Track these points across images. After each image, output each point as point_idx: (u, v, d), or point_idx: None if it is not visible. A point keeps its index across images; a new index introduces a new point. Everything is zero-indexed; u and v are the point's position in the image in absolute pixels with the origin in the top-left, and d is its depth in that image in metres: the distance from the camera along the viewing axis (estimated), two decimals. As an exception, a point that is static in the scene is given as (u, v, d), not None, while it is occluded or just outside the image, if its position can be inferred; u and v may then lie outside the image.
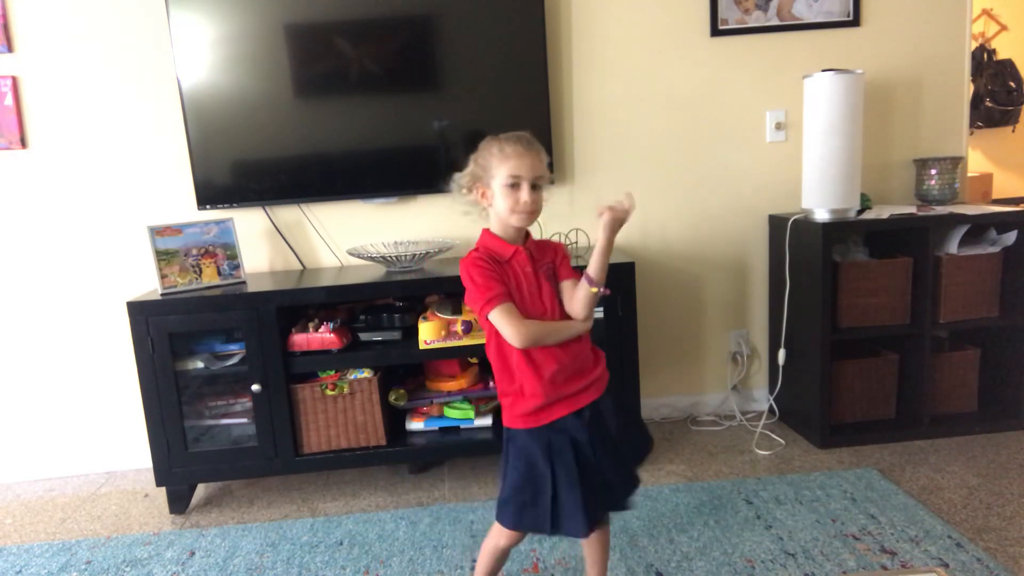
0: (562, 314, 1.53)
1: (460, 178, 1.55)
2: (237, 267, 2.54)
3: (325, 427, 2.39)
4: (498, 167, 1.48)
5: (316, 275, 2.59)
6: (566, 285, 1.54)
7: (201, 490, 2.59)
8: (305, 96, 2.60)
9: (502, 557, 1.66)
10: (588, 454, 1.50)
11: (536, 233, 1.60)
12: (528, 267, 1.51)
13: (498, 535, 1.59)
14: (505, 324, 1.46)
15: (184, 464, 2.38)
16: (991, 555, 1.87)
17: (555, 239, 2.09)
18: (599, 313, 2.40)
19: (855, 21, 2.72)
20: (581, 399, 1.52)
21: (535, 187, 1.48)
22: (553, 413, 1.50)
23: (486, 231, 1.55)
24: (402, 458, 2.49)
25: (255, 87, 2.56)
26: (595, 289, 1.49)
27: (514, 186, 1.47)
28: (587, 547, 1.67)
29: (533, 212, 1.50)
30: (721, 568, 1.89)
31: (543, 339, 1.48)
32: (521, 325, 1.46)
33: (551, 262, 1.56)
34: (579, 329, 1.52)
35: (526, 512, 1.52)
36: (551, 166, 2.64)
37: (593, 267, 1.50)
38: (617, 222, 1.49)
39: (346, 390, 2.37)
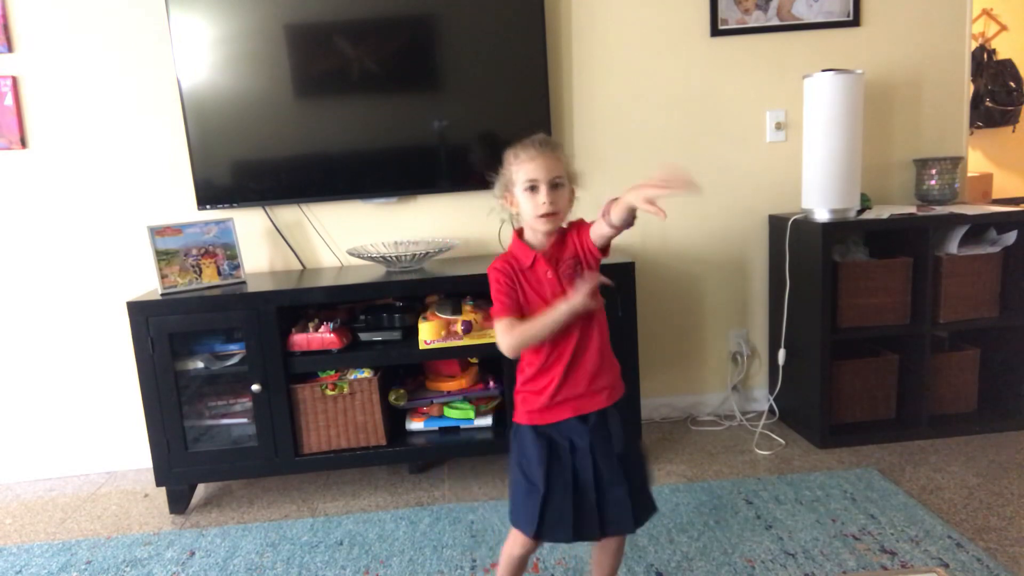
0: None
1: (496, 188, 1.56)
2: (237, 267, 2.54)
3: (325, 427, 2.39)
4: (516, 173, 1.50)
5: (316, 275, 2.59)
6: (596, 227, 1.46)
7: (201, 490, 2.59)
8: (305, 96, 2.60)
9: (515, 565, 1.60)
10: (586, 464, 1.48)
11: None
12: (550, 273, 1.50)
13: (512, 540, 1.57)
14: (497, 336, 1.50)
15: (184, 464, 2.38)
16: (991, 555, 1.87)
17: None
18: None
19: (855, 21, 2.72)
20: (586, 404, 1.51)
21: (557, 186, 1.49)
22: (558, 414, 1.50)
23: (516, 235, 1.56)
24: (402, 458, 2.49)
25: (255, 87, 2.56)
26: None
27: (532, 189, 1.48)
28: (597, 550, 1.64)
29: (555, 213, 1.48)
30: (721, 568, 1.89)
31: (527, 341, 1.49)
32: (503, 336, 1.48)
33: (574, 256, 1.51)
34: (562, 312, 1.43)
35: (519, 510, 1.52)
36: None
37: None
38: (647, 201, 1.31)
39: (346, 390, 2.37)
